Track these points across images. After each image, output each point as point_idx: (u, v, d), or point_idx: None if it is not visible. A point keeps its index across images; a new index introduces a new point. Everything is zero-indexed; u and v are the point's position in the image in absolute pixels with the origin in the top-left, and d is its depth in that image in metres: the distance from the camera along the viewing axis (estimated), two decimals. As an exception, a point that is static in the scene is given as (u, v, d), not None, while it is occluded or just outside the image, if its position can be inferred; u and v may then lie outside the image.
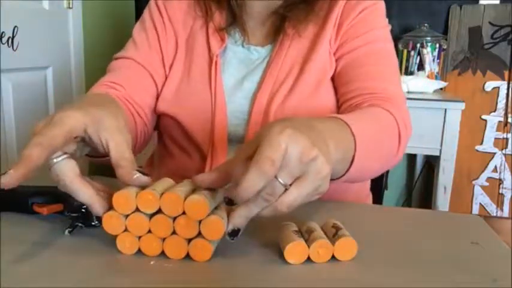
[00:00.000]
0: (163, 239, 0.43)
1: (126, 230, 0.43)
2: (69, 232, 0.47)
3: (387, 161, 0.66)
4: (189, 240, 0.43)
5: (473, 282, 0.41)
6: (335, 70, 0.73)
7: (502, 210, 1.96)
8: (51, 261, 0.42)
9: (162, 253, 0.43)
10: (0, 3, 1.51)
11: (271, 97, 0.71)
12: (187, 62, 0.75)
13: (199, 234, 0.42)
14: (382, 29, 0.74)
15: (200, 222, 0.42)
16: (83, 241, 0.46)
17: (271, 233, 0.46)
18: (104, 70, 0.76)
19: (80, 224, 0.48)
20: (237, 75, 0.75)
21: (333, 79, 0.73)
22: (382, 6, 0.75)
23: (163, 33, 0.76)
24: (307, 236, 0.44)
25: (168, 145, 0.78)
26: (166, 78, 0.75)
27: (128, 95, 0.70)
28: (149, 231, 0.43)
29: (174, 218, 0.42)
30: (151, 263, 0.42)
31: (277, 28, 0.75)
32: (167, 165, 0.78)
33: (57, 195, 0.52)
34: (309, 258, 0.43)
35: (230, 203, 0.41)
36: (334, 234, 0.44)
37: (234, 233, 0.42)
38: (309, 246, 0.42)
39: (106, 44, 2.11)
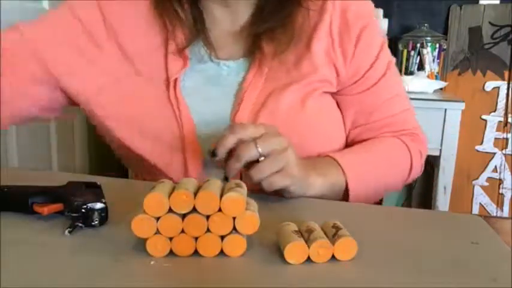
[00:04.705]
0: (196, 238, 0.43)
1: (157, 232, 0.43)
2: (69, 232, 0.47)
3: (395, 186, 0.76)
4: (221, 237, 0.43)
5: (473, 282, 0.41)
6: (348, 94, 0.72)
7: (502, 210, 1.96)
8: (51, 261, 0.42)
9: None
10: (0, 3, 1.51)
11: (251, 121, 0.66)
12: (139, 85, 0.69)
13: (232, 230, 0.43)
14: (384, 46, 0.73)
15: (234, 218, 0.43)
16: (83, 241, 0.46)
17: (271, 233, 0.46)
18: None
19: (80, 224, 0.48)
20: (206, 96, 0.69)
21: (333, 94, 0.73)
22: (373, 12, 0.72)
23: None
24: (307, 236, 0.44)
25: (138, 175, 0.75)
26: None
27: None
28: (182, 232, 0.43)
29: (208, 216, 0.43)
30: (152, 263, 0.42)
31: (252, 43, 0.69)
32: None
33: (57, 195, 0.52)
34: (309, 258, 0.43)
35: (213, 155, 0.56)
36: (334, 234, 0.44)
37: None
38: (309, 246, 0.42)
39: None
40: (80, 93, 0.70)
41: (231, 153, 0.57)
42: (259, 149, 0.55)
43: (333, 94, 0.73)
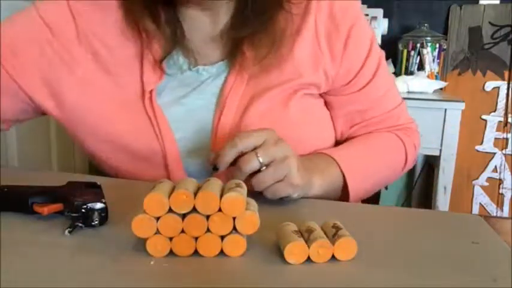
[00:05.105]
0: (196, 238, 0.43)
1: (157, 232, 0.43)
2: (69, 232, 0.47)
3: (390, 179, 0.77)
4: (221, 237, 0.43)
5: (473, 282, 0.41)
6: (340, 94, 0.72)
7: (502, 210, 1.96)
8: (51, 261, 0.42)
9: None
10: (0, 3, 1.51)
11: (234, 128, 0.65)
12: (115, 99, 0.66)
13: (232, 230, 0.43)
14: (373, 41, 0.72)
15: (234, 218, 0.43)
16: (83, 241, 0.46)
17: (271, 233, 0.46)
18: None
19: (80, 224, 0.48)
20: (187, 106, 0.66)
21: (324, 93, 0.72)
22: (360, 8, 0.71)
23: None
24: (307, 236, 0.44)
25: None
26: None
27: None
28: (182, 232, 0.43)
29: (208, 216, 0.43)
30: (151, 263, 0.42)
31: (233, 47, 0.66)
32: None
33: (57, 195, 0.52)
34: (309, 258, 0.43)
35: (215, 169, 0.56)
36: (334, 234, 0.44)
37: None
38: (309, 246, 0.43)
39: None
40: (55, 109, 0.68)
41: (233, 163, 0.57)
42: (260, 159, 0.55)
43: (322, 94, 0.72)
